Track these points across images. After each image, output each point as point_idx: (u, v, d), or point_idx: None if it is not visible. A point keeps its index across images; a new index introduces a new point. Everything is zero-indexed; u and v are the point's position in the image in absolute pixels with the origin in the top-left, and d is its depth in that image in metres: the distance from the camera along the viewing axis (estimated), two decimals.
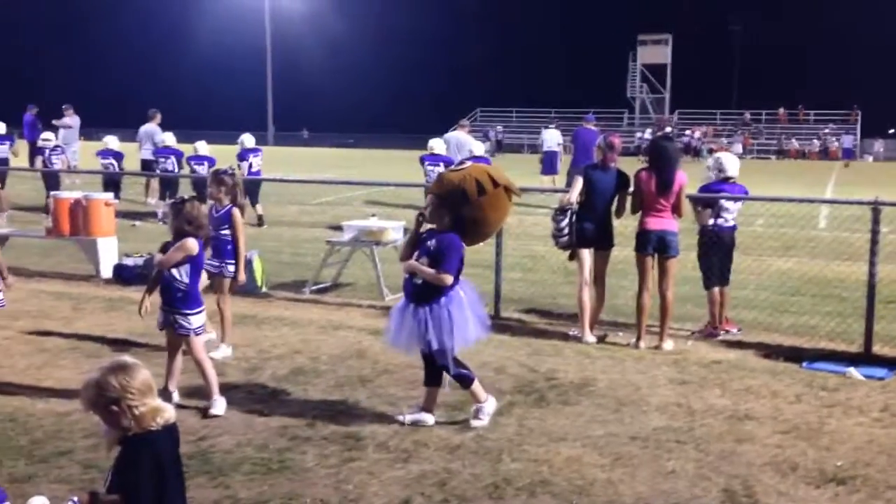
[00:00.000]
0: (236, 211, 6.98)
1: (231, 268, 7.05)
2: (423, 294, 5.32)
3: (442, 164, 14.21)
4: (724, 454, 5.09)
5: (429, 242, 5.39)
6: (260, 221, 15.23)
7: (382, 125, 61.30)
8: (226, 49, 69.30)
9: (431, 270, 5.27)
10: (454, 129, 17.73)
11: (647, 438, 5.32)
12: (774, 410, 5.89)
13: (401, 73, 72.11)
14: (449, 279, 5.26)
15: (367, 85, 72.29)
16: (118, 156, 16.88)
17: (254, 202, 15.02)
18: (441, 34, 72.06)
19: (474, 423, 5.46)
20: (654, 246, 7.47)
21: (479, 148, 15.83)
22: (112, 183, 15.95)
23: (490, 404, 5.53)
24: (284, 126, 62.13)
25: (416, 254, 5.41)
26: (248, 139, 16.34)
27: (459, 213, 5.34)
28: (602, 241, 7.75)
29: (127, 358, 3.11)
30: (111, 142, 17.13)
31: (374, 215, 10.96)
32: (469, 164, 5.76)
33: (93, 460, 4.76)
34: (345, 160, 38.52)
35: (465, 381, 5.50)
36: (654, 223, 7.46)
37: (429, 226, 5.48)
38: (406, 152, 34.31)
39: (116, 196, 16.02)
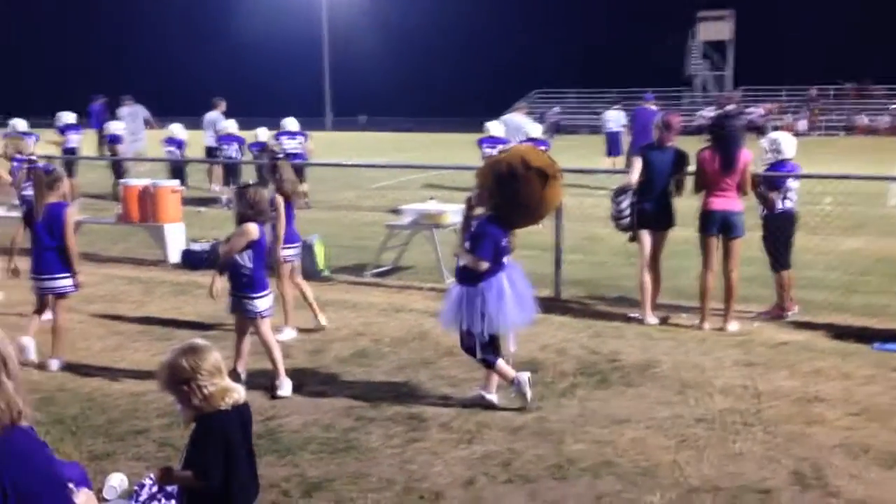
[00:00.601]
0: (278, 197, 7.08)
1: (285, 252, 7.18)
2: (464, 276, 5.43)
3: (499, 146, 14.16)
4: (792, 436, 5.02)
5: (473, 226, 5.46)
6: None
7: (439, 109, 61.28)
8: (284, 36, 70.01)
9: (467, 255, 5.35)
10: (511, 112, 17.66)
11: (713, 420, 5.27)
12: (844, 392, 5.77)
13: (457, 56, 71.95)
14: (482, 264, 5.29)
15: (423, 69, 72.31)
16: (180, 144, 17.26)
17: None
18: (497, 16, 71.66)
19: (467, 395, 5.56)
20: (718, 226, 7.35)
21: (536, 130, 15.72)
22: (177, 170, 16.40)
23: (489, 397, 5.51)
24: (342, 111, 62.59)
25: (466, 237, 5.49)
26: (287, 122, 16.77)
27: (496, 196, 5.36)
28: (661, 222, 7.66)
29: (198, 340, 3.21)
30: (176, 130, 17.52)
31: (432, 198, 11.01)
32: (511, 146, 5.76)
33: (168, 438, 4.91)
34: (403, 144, 38.66)
35: (488, 365, 5.50)
36: (718, 203, 7.33)
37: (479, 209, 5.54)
38: (463, 135, 34.30)
39: (182, 183, 16.49)
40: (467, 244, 5.42)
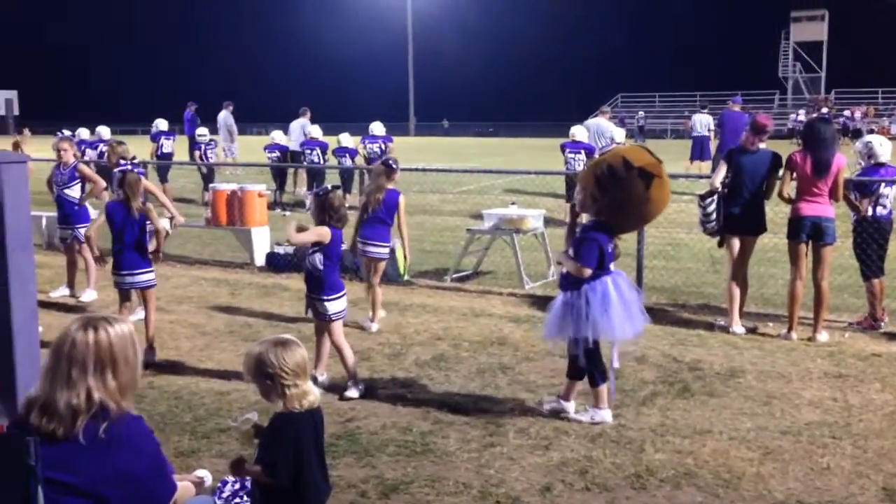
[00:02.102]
0: (402, 197, 7.70)
1: (385, 250, 7.67)
2: (567, 283, 5.33)
3: (582, 151, 14.06)
4: (883, 451, 4.82)
5: (578, 232, 5.40)
6: None
7: (522, 113, 61.23)
8: (369, 43, 71.20)
9: (570, 262, 5.27)
10: (595, 116, 17.48)
11: (800, 433, 5.11)
12: None
13: (540, 60, 71.75)
14: (585, 271, 5.19)
15: (506, 73, 72.37)
16: (282, 149, 17.76)
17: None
18: (581, 20, 71.12)
19: (576, 415, 5.36)
20: (808, 233, 7.11)
21: (620, 135, 15.55)
22: (279, 175, 17.19)
23: (605, 414, 5.34)
24: (425, 116, 63.15)
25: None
26: (372, 126, 17.42)
27: (599, 200, 5.27)
28: (750, 227, 7.45)
29: (289, 336, 3.28)
30: (277, 136, 18.05)
31: (514, 203, 10.98)
32: (612, 147, 5.64)
33: None
34: (485, 149, 38.71)
35: (592, 380, 5.39)
36: (808, 209, 7.10)
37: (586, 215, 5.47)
38: (546, 140, 34.11)
39: (280, 188, 17.15)
40: (571, 251, 5.34)
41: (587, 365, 5.34)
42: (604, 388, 5.36)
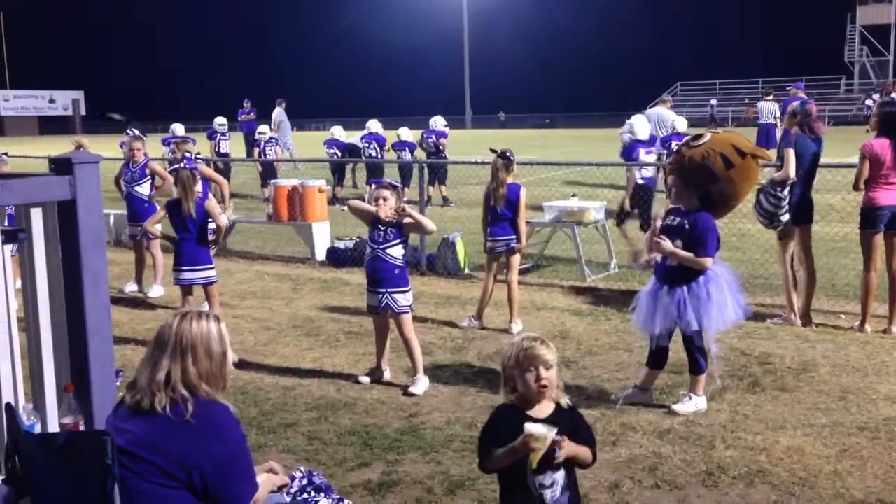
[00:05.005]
0: (523, 190, 7.37)
1: (514, 242, 7.39)
2: (679, 276, 5.19)
3: (642, 149, 13.78)
4: None
5: (679, 223, 5.23)
6: (445, 202, 16.20)
7: (579, 104, 60.68)
8: (425, 37, 71.33)
9: (689, 254, 5.13)
10: (655, 105, 17.22)
11: (878, 429, 4.94)
12: None
13: (596, 50, 71.00)
14: (709, 262, 5.13)
15: (562, 64, 71.82)
16: (342, 145, 17.89)
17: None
18: (638, 8, 70.14)
19: (677, 406, 5.28)
20: (885, 222, 6.87)
21: (682, 124, 15.25)
22: (338, 170, 17.34)
23: (703, 401, 5.33)
24: (481, 109, 63.05)
25: (666, 236, 5.22)
26: (431, 120, 17.40)
27: (707, 190, 5.18)
28: (809, 217, 7.26)
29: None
30: (337, 131, 18.19)
31: (574, 195, 10.86)
32: (709, 136, 5.46)
33: (316, 432, 5.06)
34: (542, 140, 38.45)
35: (698, 368, 5.33)
36: (886, 197, 6.83)
37: (671, 205, 5.37)
38: (604, 130, 33.76)
39: (339, 183, 17.29)
40: (679, 242, 5.16)
41: (695, 352, 5.29)
42: (702, 379, 5.34)
